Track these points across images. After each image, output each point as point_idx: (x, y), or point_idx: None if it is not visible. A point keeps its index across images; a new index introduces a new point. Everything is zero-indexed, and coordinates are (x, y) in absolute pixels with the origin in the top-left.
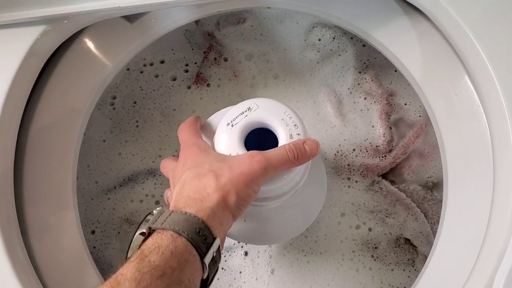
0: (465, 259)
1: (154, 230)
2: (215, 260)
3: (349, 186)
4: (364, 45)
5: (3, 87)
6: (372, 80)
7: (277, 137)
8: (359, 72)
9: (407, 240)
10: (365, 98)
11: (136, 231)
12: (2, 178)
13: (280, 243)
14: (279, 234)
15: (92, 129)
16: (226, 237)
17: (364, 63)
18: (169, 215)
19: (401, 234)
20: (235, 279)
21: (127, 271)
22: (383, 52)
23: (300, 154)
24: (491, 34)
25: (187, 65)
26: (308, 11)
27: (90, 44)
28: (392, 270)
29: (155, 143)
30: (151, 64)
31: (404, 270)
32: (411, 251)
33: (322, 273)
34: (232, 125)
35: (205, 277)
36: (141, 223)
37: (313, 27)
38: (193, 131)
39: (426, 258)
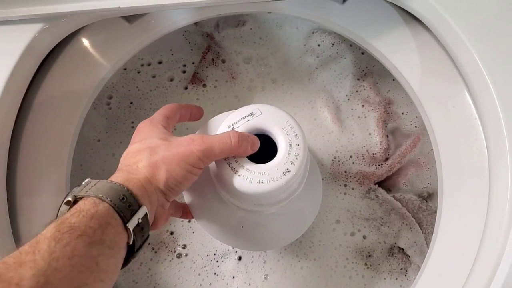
0: (458, 270)
1: (80, 198)
2: (141, 227)
3: (345, 193)
4: (363, 53)
5: None
6: (370, 88)
7: (277, 145)
8: (358, 79)
9: (401, 250)
10: (362, 106)
11: (62, 201)
12: None
13: (274, 249)
14: (274, 240)
15: (87, 128)
16: (221, 244)
17: (363, 70)
18: (95, 184)
19: (395, 243)
20: (227, 284)
21: (46, 231)
22: (382, 61)
23: (244, 141)
24: (491, 47)
25: (184, 65)
26: (309, 17)
27: (87, 43)
28: (385, 278)
29: None
30: (149, 64)
31: (396, 279)
32: (404, 261)
33: (315, 279)
34: (232, 128)
35: (130, 242)
36: (68, 194)
37: (313, 32)
38: (163, 111)
39: (419, 268)
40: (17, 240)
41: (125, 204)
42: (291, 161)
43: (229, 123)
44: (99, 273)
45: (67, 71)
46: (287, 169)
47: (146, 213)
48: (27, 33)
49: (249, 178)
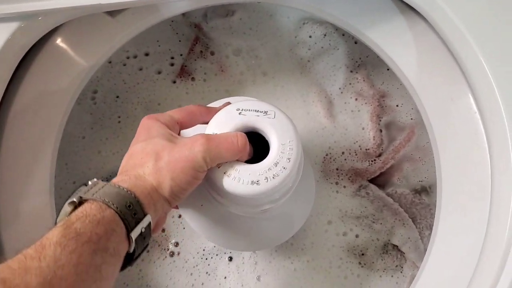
0: (461, 270)
1: (85, 201)
2: (144, 237)
3: (337, 191)
4: (356, 42)
5: None
6: (364, 80)
7: (269, 153)
8: (351, 71)
9: (395, 246)
10: (356, 99)
11: (66, 201)
12: None
13: (265, 250)
14: (264, 241)
15: (72, 124)
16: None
17: (356, 61)
18: (102, 187)
19: (389, 240)
20: (220, 284)
21: (52, 236)
22: (377, 52)
23: (247, 145)
24: (490, 37)
25: (172, 58)
26: (301, 6)
27: (68, 40)
28: (380, 276)
29: None
30: (135, 57)
31: (392, 276)
32: (399, 257)
33: (309, 281)
34: (239, 113)
35: (131, 251)
36: (72, 193)
37: (304, 23)
38: (176, 114)
39: (415, 264)
40: None
41: (131, 212)
42: (265, 177)
43: (240, 106)
44: (101, 281)
45: (48, 69)
46: (257, 180)
47: (150, 222)
48: (2, 33)
49: (238, 178)
